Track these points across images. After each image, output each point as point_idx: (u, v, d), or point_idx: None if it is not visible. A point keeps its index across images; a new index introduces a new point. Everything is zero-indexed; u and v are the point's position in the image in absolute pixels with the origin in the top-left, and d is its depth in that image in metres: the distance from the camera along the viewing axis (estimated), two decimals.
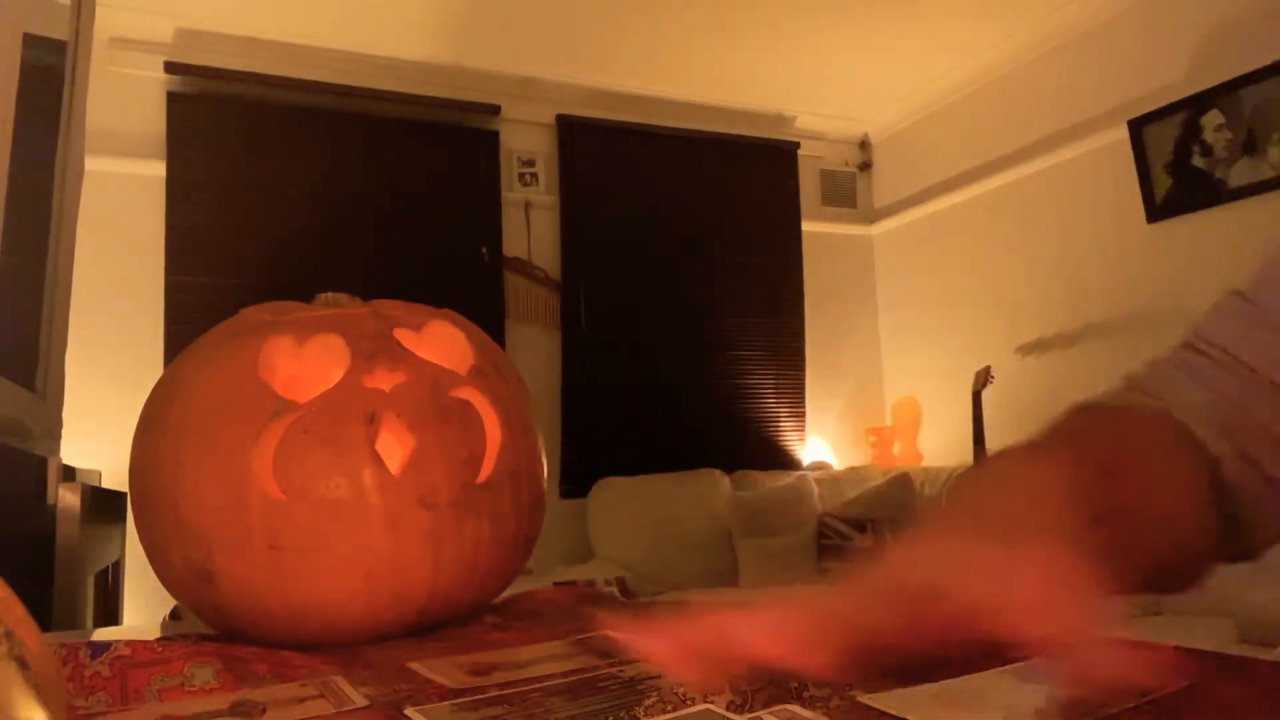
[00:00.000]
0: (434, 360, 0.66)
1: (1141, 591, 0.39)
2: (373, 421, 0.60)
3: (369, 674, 0.49)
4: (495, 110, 3.80)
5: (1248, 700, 0.35)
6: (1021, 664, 0.41)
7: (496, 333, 3.69)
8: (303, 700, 0.44)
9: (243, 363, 0.62)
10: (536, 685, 0.44)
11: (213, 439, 0.59)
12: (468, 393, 0.66)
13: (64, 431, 1.55)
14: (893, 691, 0.38)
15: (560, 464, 3.78)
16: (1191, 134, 3.03)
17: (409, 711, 0.40)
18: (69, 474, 1.22)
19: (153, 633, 0.67)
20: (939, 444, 4.16)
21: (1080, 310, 3.50)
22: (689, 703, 0.35)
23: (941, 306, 4.19)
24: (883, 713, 0.35)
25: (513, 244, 3.82)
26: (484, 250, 3.76)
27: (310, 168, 3.51)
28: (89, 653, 0.50)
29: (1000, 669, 0.41)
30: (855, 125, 4.56)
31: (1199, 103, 2.99)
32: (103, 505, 1.44)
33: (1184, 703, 0.35)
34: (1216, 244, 3.00)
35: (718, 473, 3.83)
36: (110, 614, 1.69)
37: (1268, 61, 2.78)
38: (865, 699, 0.37)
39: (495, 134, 3.84)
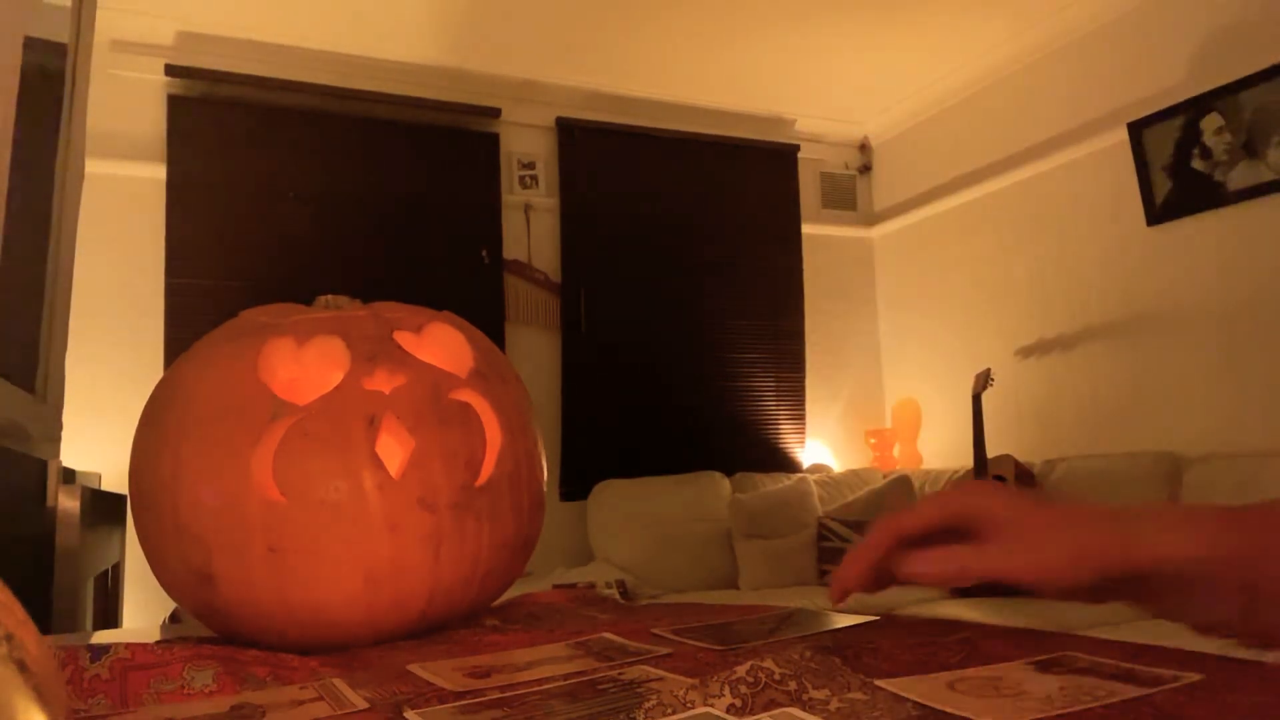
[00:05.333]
0: (434, 363, 0.66)
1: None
2: (373, 424, 0.60)
3: (368, 676, 0.49)
4: (495, 113, 3.81)
5: (1250, 703, 0.35)
6: (1046, 658, 0.42)
7: (496, 335, 3.69)
8: (302, 703, 0.44)
9: (243, 365, 0.62)
10: (536, 688, 0.44)
11: (212, 441, 0.59)
12: (468, 395, 0.66)
13: (64, 434, 1.55)
14: (909, 678, 0.39)
15: (560, 466, 3.78)
16: (1191, 137, 3.03)
17: (408, 714, 0.40)
18: (69, 476, 1.22)
19: (152, 635, 0.67)
20: (939, 446, 4.16)
21: (1080, 313, 3.50)
22: (689, 705, 0.35)
23: (941, 309, 4.20)
24: (891, 697, 0.35)
25: (513, 246, 3.82)
26: (484, 252, 3.76)
27: (311, 170, 3.51)
28: (89, 655, 0.50)
29: (1024, 661, 0.42)
30: (855, 128, 4.57)
31: (1199, 105, 3.00)
32: (103, 508, 1.44)
33: (1184, 702, 0.35)
34: (1216, 247, 3.00)
35: (718, 475, 3.83)
36: (110, 617, 1.68)
37: (1267, 64, 2.79)
38: (881, 683, 0.37)
39: (495, 136, 3.85)
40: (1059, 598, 0.46)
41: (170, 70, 3.29)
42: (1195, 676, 0.37)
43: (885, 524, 0.48)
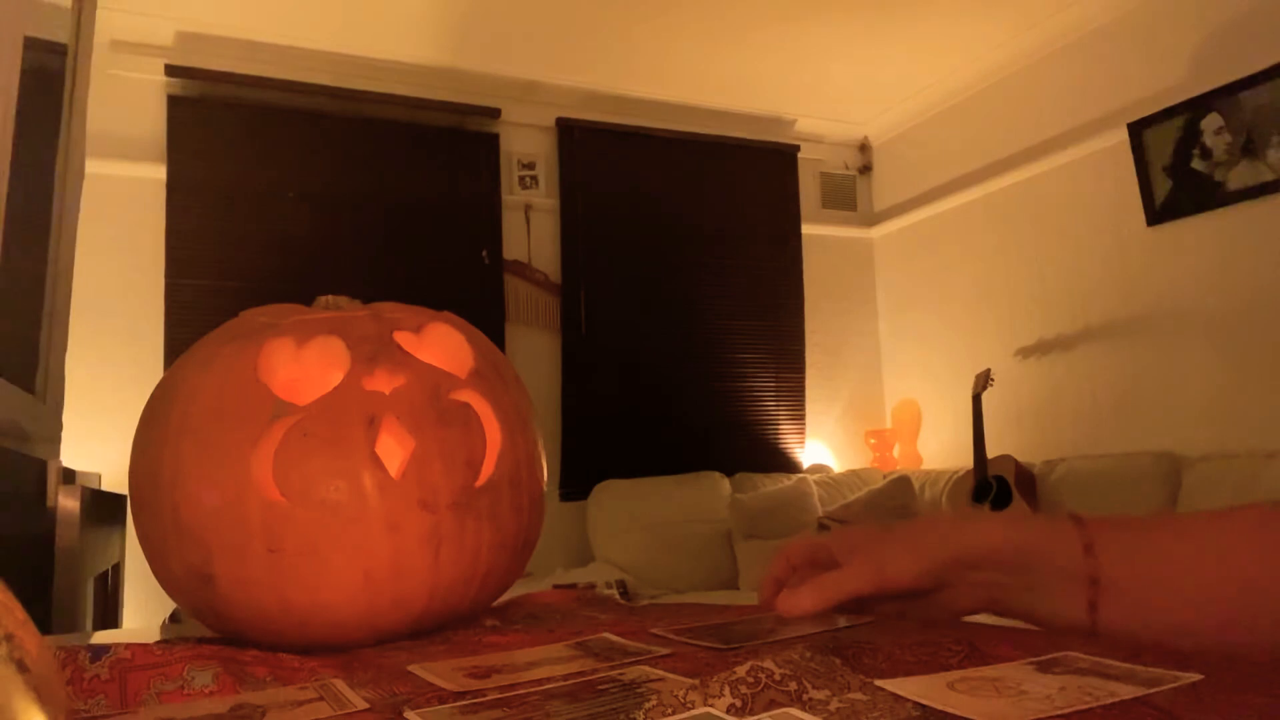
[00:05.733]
0: (434, 363, 0.66)
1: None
2: (373, 424, 0.60)
3: (368, 677, 0.49)
4: (495, 113, 3.81)
5: (1250, 703, 0.35)
6: (1046, 658, 0.42)
7: (496, 335, 3.70)
8: (302, 703, 0.44)
9: (243, 365, 0.62)
10: (536, 688, 0.44)
11: (212, 442, 0.59)
12: (468, 395, 0.66)
13: (64, 434, 1.55)
14: (909, 678, 0.39)
15: (560, 466, 3.78)
16: (1191, 137, 3.03)
17: (408, 714, 0.40)
18: (69, 476, 1.22)
19: (152, 636, 0.67)
20: (939, 446, 4.16)
21: (1080, 313, 3.50)
22: (689, 706, 0.35)
23: (941, 309, 4.20)
24: (891, 697, 0.35)
25: (513, 247, 3.82)
26: (484, 253, 3.76)
27: (310, 170, 3.51)
28: (89, 656, 0.50)
29: (1024, 661, 0.42)
30: (855, 128, 4.57)
31: (1199, 106, 3.00)
32: (103, 508, 1.44)
33: (1184, 702, 0.35)
34: (1216, 247, 3.00)
35: (718, 475, 3.83)
36: (110, 617, 1.68)
37: (1267, 64, 2.79)
38: (881, 684, 0.37)
39: (495, 137, 3.85)
40: (927, 614, 0.54)
41: (170, 70, 3.29)
42: (1195, 676, 0.37)
43: (781, 552, 0.57)
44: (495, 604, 0.74)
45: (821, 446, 4.32)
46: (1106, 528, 0.49)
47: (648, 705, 0.36)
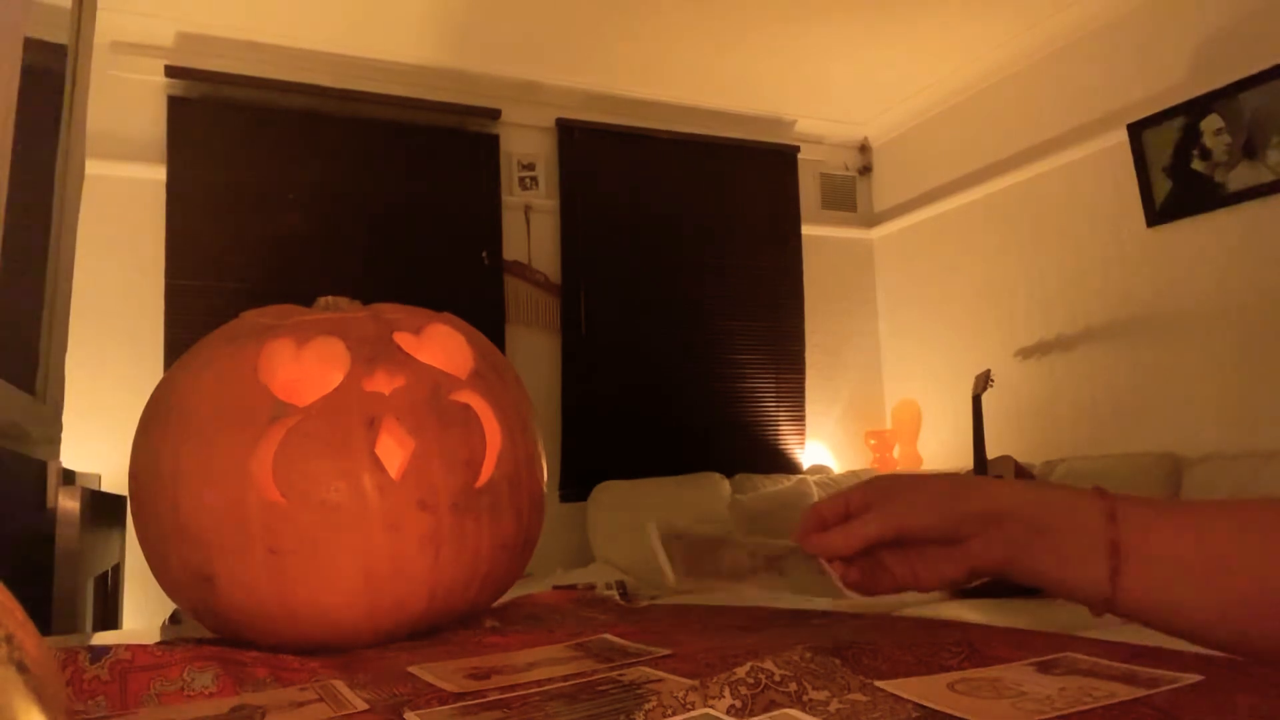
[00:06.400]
0: (434, 364, 0.66)
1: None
2: (373, 425, 0.60)
3: (368, 678, 0.49)
4: (495, 114, 3.81)
5: (1249, 704, 0.35)
6: (1047, 659, 0.42)
7: (496, 336, 3.69)
8: (302, 704, 0.44)
9: (243, 366, 0.62)
10: (536, 689, 0.44)
11: (212, 442, 0.59)
12: (468, 396, 0.66)
13: (64, 435, 1.55)
14: (909, 679, 0.39)
15: (560, 467, 3.78)
16: (1191, 138, 3.03)
17: (408, 715, 0.40)
18: (69, 477, 1.22)
19: (152, 637, 0.67)
20: (939, 447, 4.16)
21: (1080, 314, 3.50)
22: (689, 707, 0.35)
23: (941, 310, 4.19)
24: (891, 698, 0.35)
25: (513, 248, 3.82)
26: (484, 254, 3.76)
27: (310, 171, 3.51)
28: (89, 657, 0.50)
29: (1024, 662, 0.42)
30: (855, 129, 4.57)
31: (1198, 106, 3.00)
32: (103, 509, 1.44)
33: (1184, 702, 0.35)
34: (1216, 248, 3.00)
35: (718, 476, 3.83)
36: (110, 618, 1.68)
37: (1267, 65, 2.79)
38: (881, 684, 0.38)
39: (495, 138, 3.85)
40: (944, 567, 0.56)
41: (170, 71, 3.29)
42: (1195, 677, 0.38)
43: (814, 507, 0.59)
44: (495, 605, 0.74)
45: (821, 447, 4.32)
46: (1129, 500, 0.50)
47: (647, 706, 0.36)
